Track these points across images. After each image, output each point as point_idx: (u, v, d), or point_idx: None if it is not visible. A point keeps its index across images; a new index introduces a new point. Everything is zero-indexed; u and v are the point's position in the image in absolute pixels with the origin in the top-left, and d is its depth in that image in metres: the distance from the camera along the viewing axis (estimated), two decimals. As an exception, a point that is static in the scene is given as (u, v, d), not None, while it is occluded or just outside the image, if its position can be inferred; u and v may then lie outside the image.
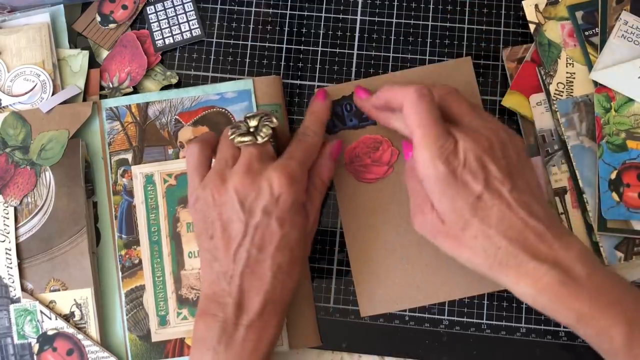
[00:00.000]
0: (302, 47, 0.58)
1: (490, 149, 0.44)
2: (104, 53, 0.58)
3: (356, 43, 0.58)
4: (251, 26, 0.59)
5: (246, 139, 0.48)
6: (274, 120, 0.49)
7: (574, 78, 0.54)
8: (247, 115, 0.50)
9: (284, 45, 0.58)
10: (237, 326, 0.45)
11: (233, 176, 0.47)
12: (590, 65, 0.54)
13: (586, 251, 0.43)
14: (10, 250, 0.53)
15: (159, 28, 0.58)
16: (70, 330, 0.52)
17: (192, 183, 0.49)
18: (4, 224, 0.53)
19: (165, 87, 0.57)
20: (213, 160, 0.50)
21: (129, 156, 0.55)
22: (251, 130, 0.49)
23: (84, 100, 0.56)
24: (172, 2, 0.59)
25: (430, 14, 0.58)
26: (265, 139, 0.48)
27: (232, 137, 0.48)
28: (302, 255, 0.50)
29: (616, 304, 0.41)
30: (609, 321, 0.41)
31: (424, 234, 0.47)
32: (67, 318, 0.52)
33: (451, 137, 0.44)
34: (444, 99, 0.48)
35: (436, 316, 0.53)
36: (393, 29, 0.58)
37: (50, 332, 0.52)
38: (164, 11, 0.59)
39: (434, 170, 0.44)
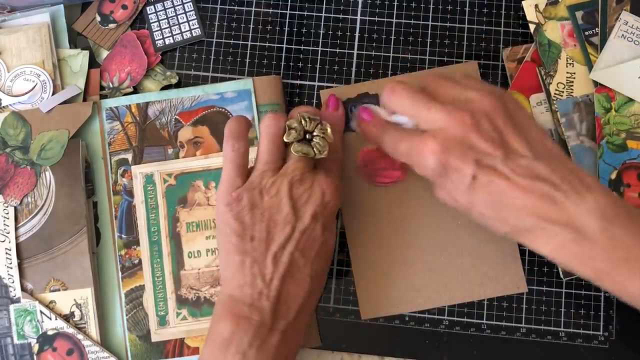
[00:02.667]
0: (302, 47, 0.58)
1: (473, 124, 0.43)
2: (104, 53, 0.58)
3: (356, 43, 0.58)
4: (251, 26, 0.59)
5: (305, 150, 0.47)
6: (329, 132, 0.48)
7: (574, 78, 0.54)
8: (304, 114, 0.48)
9: (284, 45, 0.58)
10: (272, 331, 0.44)
11: (285, 179, 0.46)
12: (590, 65, 0.54)
13: (604, 202, 0.41)
14: (10, 250, 0.53)
15: (159, 28, 0.58)
16: (70, 330, 0.52)
17: (232, 182, 0.47)
18: (4, 224, 0.53)
19: (165, 87, 0.57)
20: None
21: (129, 156, 0.55)
22: (307, 136, 0.48)
23: (84, 100, 0.56)
24: (172, 2, 0.59)
25: (430, 14, 0.58)
26: (325, 156, 0.48)
27: (289, 140, 0.47)
28: (330, 262, 0.50)
29: (633, 258, 0.40)
30: (624, 276, 0.40)
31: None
32: (67, 318, 0.52)
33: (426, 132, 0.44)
34: (423, 85, 0.48)
35: (436, 316, 0.53)
36: (393, 29, 0.58)
37: (50, 332, 0.52)
38: (164, 11, 0.59)
39: (428, 168, 0.44)
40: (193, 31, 0.58)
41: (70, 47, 0.58)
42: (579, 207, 0.41)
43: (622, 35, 0.54)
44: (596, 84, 0.53)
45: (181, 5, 0.59)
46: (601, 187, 0.42)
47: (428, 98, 0.45)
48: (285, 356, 0.45)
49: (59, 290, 0.53)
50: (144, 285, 0.53)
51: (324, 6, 0.59)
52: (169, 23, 0.58)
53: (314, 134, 0.48)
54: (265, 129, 0.48)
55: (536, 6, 0.56)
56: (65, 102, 0.55)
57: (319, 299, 0.50)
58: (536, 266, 0.54)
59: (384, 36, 0.58)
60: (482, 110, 0.44)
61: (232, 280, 0.46)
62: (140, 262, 0.53)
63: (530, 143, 0.43)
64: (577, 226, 0.41)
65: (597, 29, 0.55)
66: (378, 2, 0.59)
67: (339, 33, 0.58)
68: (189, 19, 0.59)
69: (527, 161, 0.42)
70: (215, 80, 0.58)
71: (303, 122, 0.48)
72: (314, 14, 0.59)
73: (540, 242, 0.42)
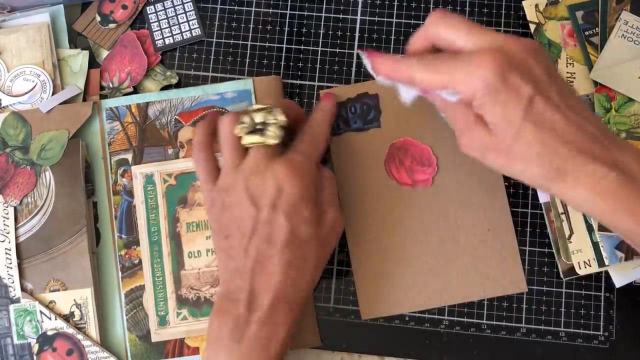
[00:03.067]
0: (302, 47, 0.58)
1: (531, 51, 0.41)
2: (104, 53, 0.58)
3: (356, 43, 0.58)
4: (251, 26, 0.59)
5: (254, 139, 0.47)
6: (281, 118, 0.48)
7: (574, 78, 0.54)
8: (251, 109, 0.49)
9: (284, 45, 0.58)
10: (248, 323, 0.45)
11: (241, 175, 0.47)
12: (590, 65, 0.54)
13: None
14: (10, 250, 0.53)
15: (159, 28, 0.58)
16: (70, 330, 0.52)
17: (206, 188, 0.50)
18: (4, 224, 0.53)
19: (165, 87, 0.57)
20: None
21: (129, 156, 0.55)
22: (258, 127, 0.48)
23: (84, 100, 0.56)
24: (172, 2, 0.59)
25: (431, 14, 0.58)
26: (277, 141, 0.48)
27: (238, 134, 0.48)
28: (317, 254, 0.48)
29: None
30: None
31: (472, 153, 0.44)
32: (67, 318, 0.52)
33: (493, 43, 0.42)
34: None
35: (436, 316, 0.53)
36: (393, 29, 0.58)
37: (50, 332, 0.52)
38: (164, 11, 0.59)
39: (483, 79, 0.40)
40: (193, 31, 0.58)
41: (70, 47, 0.58)
42: (625, 153, 0.40)
43: (622, 35, 0.54)
44: (596, 83, 0.53)
45: (181, 5, 0.59)
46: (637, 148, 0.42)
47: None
48: (264, 347, 0.45)
49: (58, 290, 0.52)
50: (144, 285, 0.53)
51: (324, 6, 0.59)
52: (169, 23, 0.58)
53: (267, 122, 0.48)
54: (220, 130, 0.50)
55: (536, 6, 0.56)
56: (65, 102, 0.55)
57: (307, 291, 0.48)
58: (536, 266, 0.54)
59: (384, 36, 0.58)
60: (531, 45, 0.42)
61: (221, 278, 0.49)
62: (140, 262, 0.53)
63: (570, 90, 0.43)
64: (624, 169, 0.40)
65: (597, 29, 0.55)
66: (378, 2, 0.59)
67: (339, 33, 0.58)
68: (189, 19, 0.59)
69: (574, 102, 0.42)
70: (215, 80, 0.58)
71: (253, 114, 0.48)
72: (314, 14, 0.59)
73: (584, 184, 0.40)
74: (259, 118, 0.48)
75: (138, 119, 0.55)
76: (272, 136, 0.47)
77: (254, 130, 0.48)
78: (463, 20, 0.43)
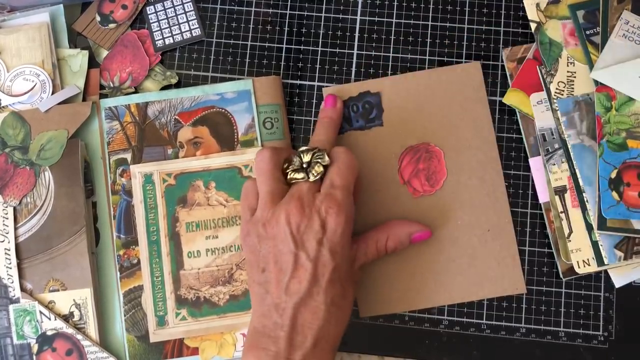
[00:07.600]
0: (302, 47, 0.58)
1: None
2: (104, 53, 0.58)
3: (356, 43, 0.58)
4: (251, 26, 0.59)
5: (299, 176, 0.48)
6: (326, 157, 0.48)
7: (574, 77, 0.54)
8: (301, 150, 0.49)
9: (284, 45, 0.58)
10: None
11: (283, 208, 0.46)
12: (591, 65, 0.54)
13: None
14: (9, 250, 0.53)
15: (158, 28, 0.58)
16: (70, 330, 0.52)
17: (244, 217, 0.49)
18: (4, 224, 0.53)
19: (165, 87, 0.57)
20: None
21: (128, 156, 0.55)
22: (304, 166, 0.48)
23: (84, 100, 0.56)
24: (172, 2, 0.59)
25: (430, 14, 0.58)
26: (317, 177, 0.47)
27: (287, 171, 0.48)
28: (352, 291, 0.48)
29: None
30: None
31: None
32: (67, 318, 0.52)
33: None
34: None
35: (436, 316, 0.53)
36: (393, 29, 0.58)
37: (49, 333, 0.52)
38: (163, 11, 0.59)
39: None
40: (193, 31, 0.58)
41: (70, 47, 0.58)
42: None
43: (623, 34, 0.54)
44: (597, 83, 0.53)
45: (181, 5, 0.59)
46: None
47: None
48: None
49: (58, 290, 0.52)
50: (142, 285, 0.53)
51: (324, 6, 0.59)
52: (169, 23, 0.58)
53: (312, 161, 0.49)
54: (259, 163, 0.49)
55: (537, 5, 0.56)
56: (64, 102, 0.55)
57: (344, 327, 0.47)
58: (536, 266, 0.53)
59: (384, 36, 0.58)
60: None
61: (255, 312, 0.47)
62: (139, 262, 0.53)
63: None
64: None
65: (598, 28, 0.54)
66: (378, 2, 0.59)
67: (339, 33, 0.58)
68: (189, 19, 0.59)
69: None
70: (215, 80, 0.58)
71: (301, 155, 0.49)
72: (314, 14, 0.59)
73: None
74: (307, 158, 0.49)
75: (137, 118, 0.55)
76: (314, 174, 0.48)
77: (300, 168, 0.48)
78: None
